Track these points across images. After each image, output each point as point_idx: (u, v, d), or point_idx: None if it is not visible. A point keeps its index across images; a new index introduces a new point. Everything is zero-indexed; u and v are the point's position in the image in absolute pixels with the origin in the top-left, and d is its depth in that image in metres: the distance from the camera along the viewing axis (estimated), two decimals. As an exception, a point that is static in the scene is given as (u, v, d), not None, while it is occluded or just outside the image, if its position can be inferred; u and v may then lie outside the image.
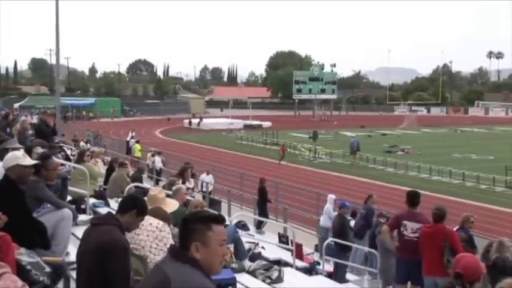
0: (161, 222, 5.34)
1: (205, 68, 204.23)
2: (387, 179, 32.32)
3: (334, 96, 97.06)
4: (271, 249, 11.08)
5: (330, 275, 11.11)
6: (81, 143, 29.04)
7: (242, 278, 6.83)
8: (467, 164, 36.61)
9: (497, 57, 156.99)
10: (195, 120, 72.81)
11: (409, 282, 9.01)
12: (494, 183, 30.08)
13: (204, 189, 21.00)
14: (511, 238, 16.54)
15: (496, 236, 14.63)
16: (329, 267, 11.91)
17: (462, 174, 32.08)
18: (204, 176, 21.94)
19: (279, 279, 7.42)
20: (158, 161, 25.98)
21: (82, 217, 7.54)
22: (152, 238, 5.18)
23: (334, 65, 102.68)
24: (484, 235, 13.59)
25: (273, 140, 51.56)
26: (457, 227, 10.46)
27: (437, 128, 70.96)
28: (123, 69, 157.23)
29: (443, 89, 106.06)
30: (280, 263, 9.48)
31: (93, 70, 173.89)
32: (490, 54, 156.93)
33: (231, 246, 7.91)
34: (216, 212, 4.40)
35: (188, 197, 9.62)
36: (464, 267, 5.19)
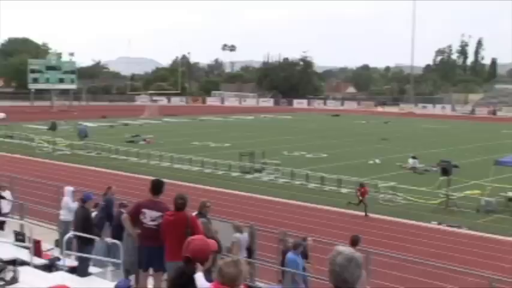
0: None
1: None
2: (130, 168, 32.39)
3: (73, 86, 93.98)
4: (6, 249, 10.39)
5: (73, 270, 10.81)
6: None
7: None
8: (206, 152, 38.40)
9: (231, 50, 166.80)
10: None
11: (151, 268, 9.18)
12: (230, 169, 31.99)
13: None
14: (245, 219, 17.85)
15: (233, 219, 15.64)
16: (72, 262, 11.57)
17: (201, 161, 33.53)
18: None
19: (14, 280, 7.01)
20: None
21: None
22: None
23: (73, 54, 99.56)
24: (221, 218, 14.39)
25: (7, 132, 48.19)
26: (196, 212, 10.94)
27: (178, 117, 73.04)
28: None
29: (182, 79, 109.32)
30: (15, 262, 8.94)
31: None
32: (225, 47, 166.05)
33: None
34: None
35: None
36: (192, 251, 5.44)
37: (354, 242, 11.41)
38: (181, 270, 5.44)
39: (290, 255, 11.60)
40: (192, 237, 5.77)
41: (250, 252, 12.33)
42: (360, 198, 22.93)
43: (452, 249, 18.19)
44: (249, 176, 30.66)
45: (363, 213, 22.46)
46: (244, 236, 12.21)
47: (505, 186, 25.36)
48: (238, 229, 12.23)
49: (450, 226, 20.97)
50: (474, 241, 19.28)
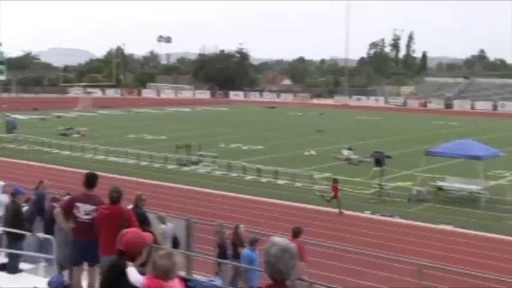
0: None
1: None
2: (63, 162, 31.69)
3: (2, 77, 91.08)
4: None
5: (2, 267, 10.51)
6: None
7: None
8: (142, 144, 37.97)
9: (167, 42, 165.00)
10: None
11: (85, 263, 9.02)
12: (166, 162, 31.74)
13: None
14: (183, 212, 17.77)
15: (169, 212, 15.54)
16: (1, 259, 11.24)
17: (137, 154, 33.12)
18: None
19: None
20: None
21: None
22: None
23: (0, 44, 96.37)
24: (157, 211, 14.25)
25: None
26: (131, 205, 10.81)
27: (112, 109, 71.86)
28: None
29: (117, 71, 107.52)
30: None
31: None
32: (160, 38, 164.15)
33: None
34: None
35: None
36: (125, 244, 5.35)
37: (296, 234, 11.49)
38: (113, 263, 5.35)
39: (246, 251, 11.57)
40: (126, 229, 5.67)
41: (176, 242, 12.26)
42: (332, 194, 22.36)
43: (386, 238, 18.65)
44: (185, 169, 30.51)
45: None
46: (168, 227, 12.16)
47: (435, 176, 26.20)
48: (162, 220, 12.16)
49: (383, 215, 21.49)
50: (406, 229, 19.83)
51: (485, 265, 15.61)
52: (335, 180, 23.02)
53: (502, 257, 16.78)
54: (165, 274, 4.88)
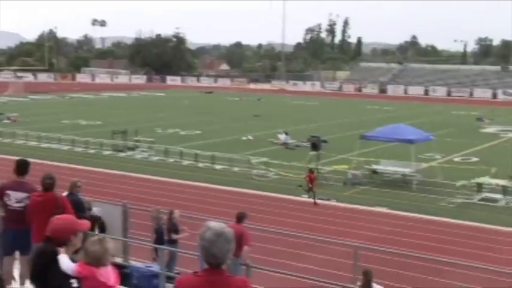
0: None
1: None
2: (-7, 149, 30.70)
3: None
4: None
5: None
6: None
7: None
8: (77, 130, 37.17)
9: (101, 25, 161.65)
10: None
11: (17, 252, 8.79)
12: (102, 147, 31.19)
13: None
14: (119, 198, 17.52)
15: (102, 198, 15.32)
16: None
17: (71, 140, 32.42)
18: None
19: None
20: None
21: None
22: None
23: None
24: (93, 197, 14.01)
25: None
26: (66, 192, 10.57)
27: (45, 94, 69.94)
28: None
29: (50, 55, 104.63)
30: None
31: None
32: (95, 22, 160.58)
33: None
34: None
35: None
36: (52, 230, 5.21)
37: (240, 219, 11.43)
38: (40, 250, 5.20)
39: None
40: (56, 216, 5.51)
41: (102, 227, 12.07)
42: (310, 185, 21.99)
43: (322, 221, 18.96)
44: (121, 154, 30.09)
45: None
46: (93, 212, 11.99)
47: (370, 160, 26.77)
48: (88, 204, 11.98)
49: (320, 199, 21.79)
50: (343, 212, 20.22)
51: (419, 245, 16.11)
52: (311, 170, 22.80)
53: (434, 237, 17.35)
54: (96, 261, 4.80)
